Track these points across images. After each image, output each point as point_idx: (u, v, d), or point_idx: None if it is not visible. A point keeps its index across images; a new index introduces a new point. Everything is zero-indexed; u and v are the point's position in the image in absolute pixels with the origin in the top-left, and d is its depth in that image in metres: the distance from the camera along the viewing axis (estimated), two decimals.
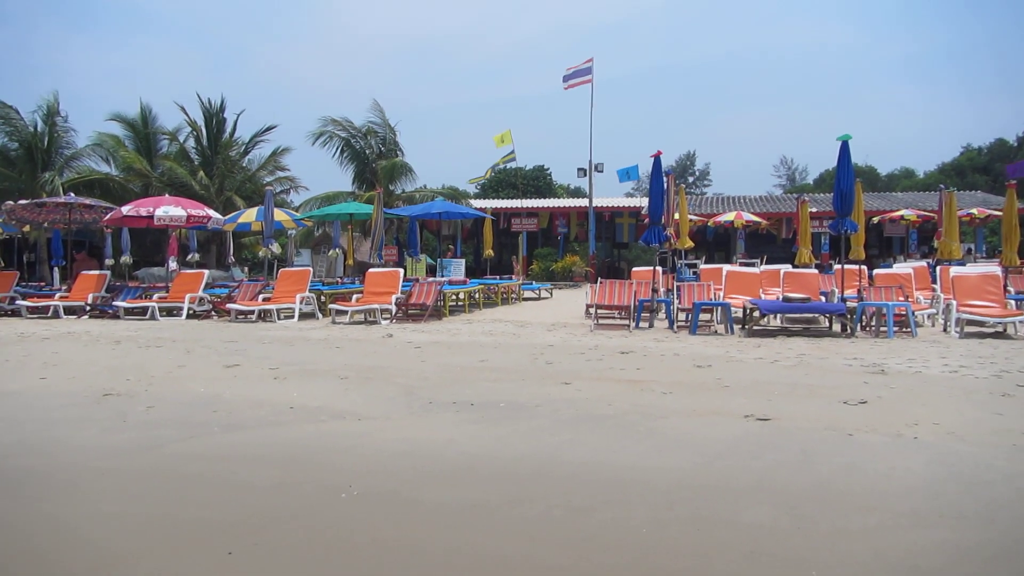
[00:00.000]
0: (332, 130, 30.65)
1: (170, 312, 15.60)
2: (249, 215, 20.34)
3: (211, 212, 17.01)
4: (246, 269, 30.55)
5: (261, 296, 15.48)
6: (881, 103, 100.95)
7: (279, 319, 14.48)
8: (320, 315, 15.19)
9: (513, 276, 23.51)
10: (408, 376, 7.68)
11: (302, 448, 5.04)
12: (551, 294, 22.78)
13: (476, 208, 28.85)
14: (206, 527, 3.67)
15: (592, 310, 13.19)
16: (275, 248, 17.13)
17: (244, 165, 31.82)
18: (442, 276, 20.27)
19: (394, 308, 14.21)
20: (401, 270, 15.53)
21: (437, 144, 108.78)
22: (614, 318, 13.62)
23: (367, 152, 30.82)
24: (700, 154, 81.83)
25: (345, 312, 14.22)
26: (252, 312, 14.73)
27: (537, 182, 46.34)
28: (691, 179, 74.87)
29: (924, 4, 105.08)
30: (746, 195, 37.44)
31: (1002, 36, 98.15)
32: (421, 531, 3.60)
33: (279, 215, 20.17)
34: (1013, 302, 12.29)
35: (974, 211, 25.96)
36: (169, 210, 15.95)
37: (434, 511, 3.86)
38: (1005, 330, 11.59)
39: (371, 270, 15.37)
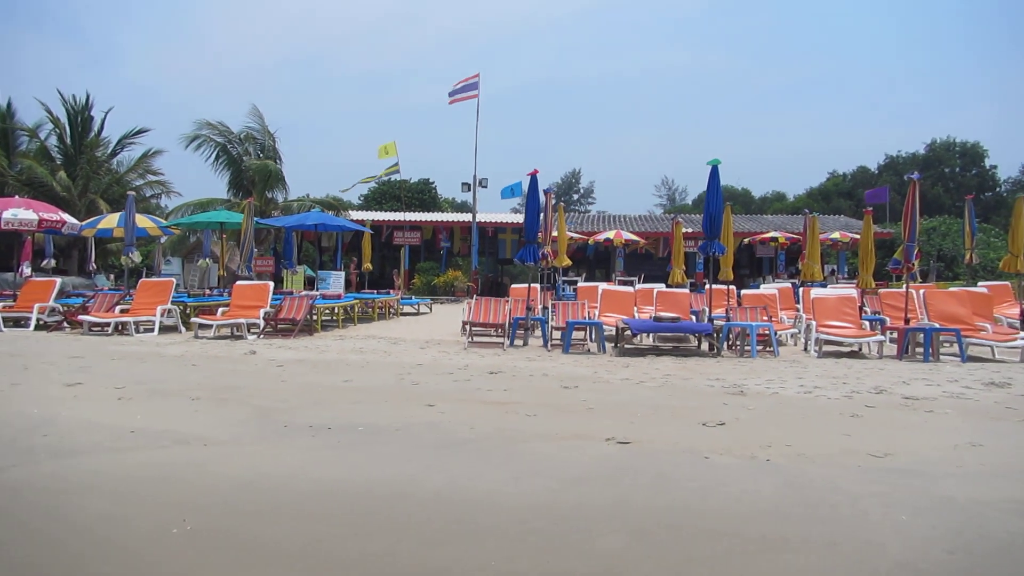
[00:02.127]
0: (208, 134, 29.42)
1: (17, 323, 14.41)
2: (110, 220, 19.14)
3: (65, 216, 15.89)
4: (111, 277, 28.79)
5: (119, 307, 14.55)
6: (758, 129, 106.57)
7: (137, 333, 13.63)
8: (183, 329, 14.41)
9: (392, 291, 23.15)
10: (265, 397, 7.32)
11: (137, 477, 4.67)
12: (431, 309, 22.56)
13: (356, 220, 28.32)
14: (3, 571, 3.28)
15: (468, 327, 13.09)
16: (136, 256, 16.15)
17: (113, 167, 30.03)
18: (321, 289, 19.70)
19: (262, 323, 13.64)
20: (271, 283, 14.95)
21: (323, 153, 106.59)
22: (490, 335, 13.56)
23: (244, 158, 29.73)
24: (585, 172, 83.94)
25: (209, 326, 13.54)
26: (107, 324, 13.81)
27: (422, 195, 46.06)
28: (576, 197, 76.48)
29: (798, 35, 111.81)
30: (627, 214, 38.53)
31: (863, 69, 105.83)
32: (251, 573, 3.34)
33: (143, 222, 19.08)
34: (868, 323, 13.01)
35: (836, 235, 27.67)
36: (18, 213, 14.80)
37: (270, 549, 3.61)
38: (860, 350, 12.26)
39: (239, 282, 14.72)
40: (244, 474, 4.77)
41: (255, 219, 17.31)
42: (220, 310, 14.16)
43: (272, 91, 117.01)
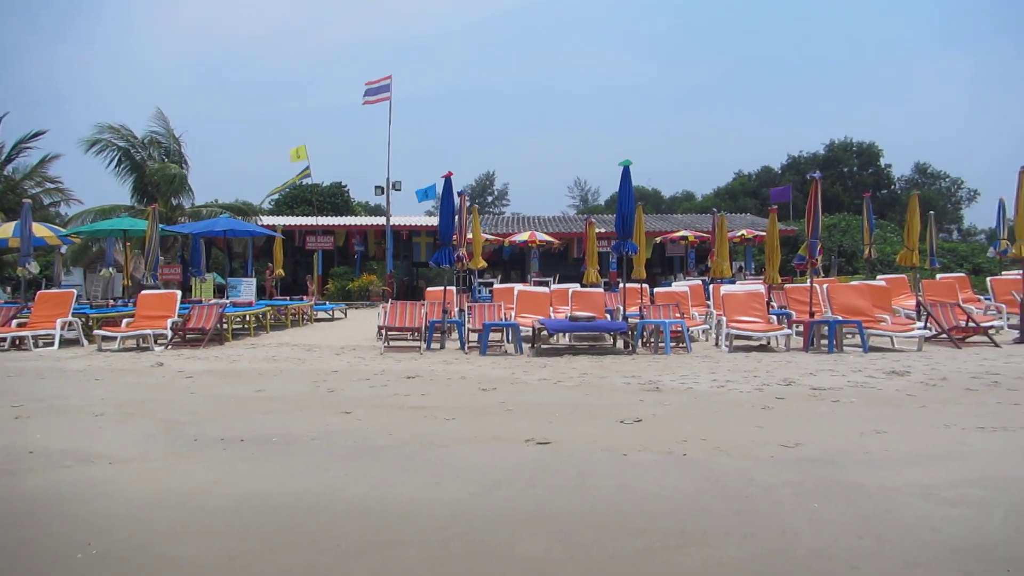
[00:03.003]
0: (109, 138, 27.98)
1: None
2: (5, 230, 18.08)
3: None
4: (7, 290, 27.13)
5: (15, 321, 13.74)
6: (667, 130, 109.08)
7: (36, 347, 12.92)
8: (86, 342, 13.70)
9: (306, 297, 22.63)
10: (174, 410, 7.01)
11: (38, 500, 4.42)
12: (346, 315, 22.17)
13: (267, 226, 27.58)
14: None
15: (384, 332, 12.90)
16: (33, 267, 15.26)
17: (8, 174, 28.28)
18: (231, 296, 19.05)
19: (169, 333, 13.10)
20: (178, 292, 14.36)
21: (232, 158, 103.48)
22: (406, 340, 13.41)
23: (149, 163, 28.51)
24: (500, 174, 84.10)
25: (113, 338, 12.91)
26: (3, 340, 13.08)
27: (334, 199, 45.20)
28: (490, 199, 76.61)
29: (703, 39, 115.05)
30: (542, 215, 38.82)
31: (766, 72, 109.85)
32: None
33: (41, 231, 18.08)
34: (775, 317, 13.46)
35: (743, 232, 28.59)
36: None
37: (182, 569, 3.44)
38: (768, 343, 12.66)
39: (143, 292, 14.10)
40: (153, 492, 4.54)
41: (161, 226, 16.63)
42: (125, 321, 13.53)
43: (178, 96, 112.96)
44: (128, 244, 20.88)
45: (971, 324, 12.46)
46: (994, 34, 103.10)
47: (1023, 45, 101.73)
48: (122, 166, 28.30)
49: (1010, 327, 13.77)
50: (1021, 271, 13.61)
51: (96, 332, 13.14)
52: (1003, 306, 14.74)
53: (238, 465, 5.11)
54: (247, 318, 16.05)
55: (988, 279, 16.50)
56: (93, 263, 28.96)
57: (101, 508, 4.29)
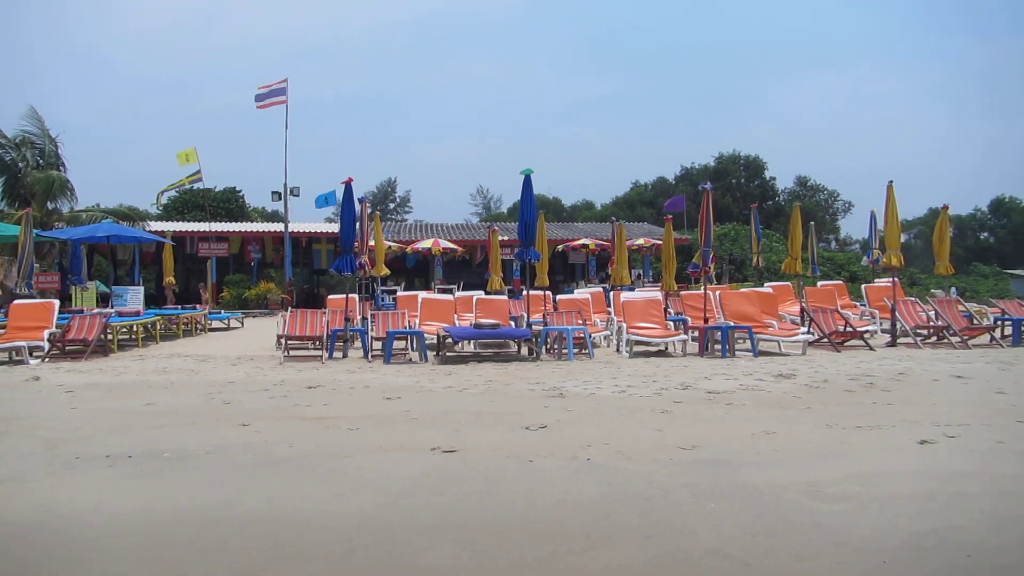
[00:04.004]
0: None
1: None
2: None
3: None
4: None
5: None
6: (565, 140, 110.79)
7: None
8: None
9: (199, 305, 21.82)
10: (52, 427, 6.63)
11: None
12: (243, 324, 21.50)
13: (155, 232, 26.47)
14: None
15: (283, 341, 12.59)
16: None
17: None
18: (117, 306, 18.14)
19: (47, 345, 12.37)
20: (56, 301, 13.60)
21: (116, 160, 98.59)
22: (307, 349, 13.13)
23: (20, 165, 26.86)
24: (401, 181, 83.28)
25: None
26: None
27: (228, 204, 43.76)
28: (392, 206, 75.90)
29: (600, 50, 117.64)
30: (445, 223, 38.78)
31: (661, 88, 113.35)
32: None
33: None
34: (672, 323, 13.86)
35: (641, 241, 29.34)
36: None
37: None
38: (666, 349, 13.04)
39: (16, 302, 13.27)
40: (29, 515, 4.28)
41: (35, 231, 15.70)
42: None
43: (57, 89, 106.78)
44: None
45: (849, 329, 13.20)
46: (856, 57, 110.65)
47: (884, 67, 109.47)
48: None
49: (883, 331, 14.62)
50: (891, 279, 14.51)
51: None
52: (876, 312, 15.65)
53: (125, 482, 4.88)
54: (134, 328, 15.34)
55: (863, 286, 17.50)
56: None
57: None
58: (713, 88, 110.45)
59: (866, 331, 13.52)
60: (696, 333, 13.07)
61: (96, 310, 15.48)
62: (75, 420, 6.96)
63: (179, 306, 20.90)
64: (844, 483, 4.65)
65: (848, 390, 8.28)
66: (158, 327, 16.23)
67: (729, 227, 39.28)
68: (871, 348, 12.69)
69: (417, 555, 3.64)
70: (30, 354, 12.27)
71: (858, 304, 17.07)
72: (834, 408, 7.21)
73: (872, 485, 4.62)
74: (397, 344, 12.59)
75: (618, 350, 13.05)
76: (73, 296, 18.71)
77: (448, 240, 29.18)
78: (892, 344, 13.25)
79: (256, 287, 28.62)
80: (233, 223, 35.81)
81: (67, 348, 12.82)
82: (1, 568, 3.58)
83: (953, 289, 24.58)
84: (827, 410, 7.11)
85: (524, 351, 12.78)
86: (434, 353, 12.52)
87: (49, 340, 12.48)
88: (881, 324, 15.12)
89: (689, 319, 13.93)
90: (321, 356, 12.23)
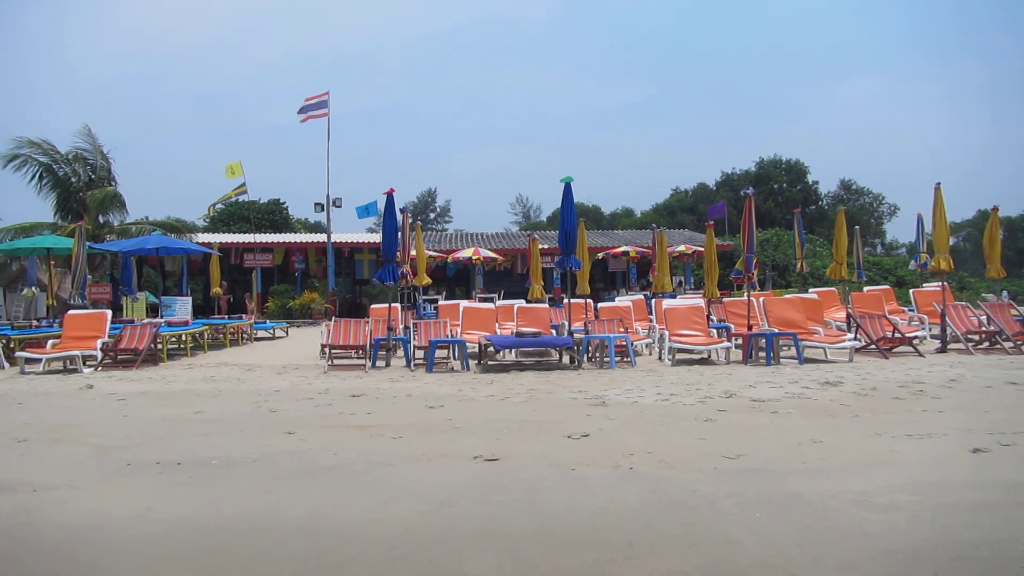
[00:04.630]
0: (29, 153, 27.05)
1: None
2: None
3: None
4: None
5: None
6: (605, 148, 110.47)
7: None
8: (7, 364, 13.18)
9: (245, 315, 22.22)
10: (105, 434, 6.80)
11: None
12: (287, 333, 21.82)
13: (202, 243, 27.01)
14: None
15: (327, 350, 12.74)
16: None
17: None
18: (166, 316, 18.57)
19: (100, 354, 12.70)
20: (108, 311, 13.95)
21: (164, 174, 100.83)
22: (351, 358, 13.27)
23: (73, 180, 27.66)
24: (441, 191, 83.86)
25: (38, 360, 12.44)
26: None
27: (273, 216, 44.54)
28: (432, 216, 76.40)
29: (639, 57, 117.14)
30: (485, 231, 38.89)
31: (700, 93, 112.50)
32: None
33: None
34: (715, 331, 13.72)
35: (682, 247, 29.08)
36: None
37: None
38: (709, 356, 12.90)
39: (71, 312, 13.65)
40: (81, 520, 4.39)
41: (88, 244, 16.15)
42: (50, 342, 13.08)
43: (109, 105, 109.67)
44: (53, 263, 20.24)
45: (897, 335, 12.91)
46: (898, 58, 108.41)
47: (927, 67, 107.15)
48: (44, 182, 27.38)
49: (932, 337, 14.30)
50: (940, 283, 14.17)
51: (18, 354, 12.67)
52: (925, 317, 15.29)
53: (175, 489, 4.98)
54: (183, 338, 15.67)
55: (911, 291, 17.12)
56: (13, 282, 27.87)
57: (23, 539, 4.12)
58: (753, 92, 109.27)
59: (915, 337, 13.20)
60: (740, 340, 12.91)
61: (146, 320, 15.87)
62: (127, 428, 7.12)
63: (226, 316, 21.30)
64: (894, 492, 4.55)
65: (897, 398, 8.10)
66: (206, 336, 16.55)
67: (772, 232, 38.75)
68: (920, 354, 12.40)
69: (460, 564, 3.66)
70: (84, 363, 12.61)
71: (906, 309, 16.71)
72: (883, 416, 7.06)
73: (923, 494, 4.52)
74: (439, 353, 12.65)
75: (660, 358, 12.94)
76: (124, 306, 19.20)
77: (488, 249, 29.28)
78: (942, 350, 12.93)
79: (300, 297, 29.06)
80: (277, 234, 36.42)
81: (119, 357, 13.14)
82: (56, 571, 3.68)
83: (1005, 293, 23.87)
84: (876, 418, 6.96)
85: (566, 360, 12.74)
86: (476, 362, 12.55)
87: (102, 349, 12.81)
88: (930, 330, 14.77)
89: (732, 326, 13.76)
90: (364, 365, 12.35)
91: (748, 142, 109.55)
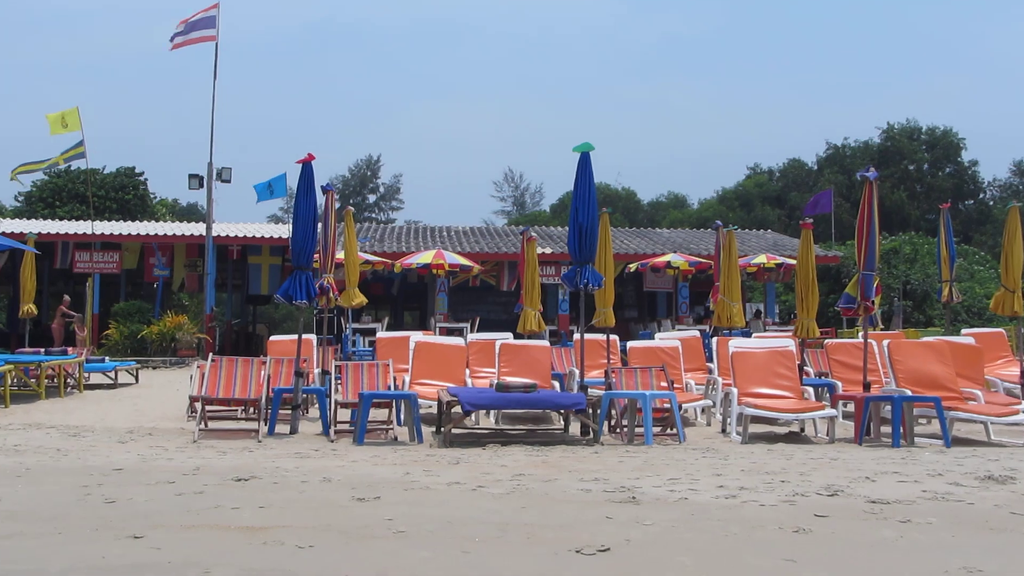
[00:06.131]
0: None
1: None
2: None
3: None
4: None
5: None
6: (643, 102, 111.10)
7: None
8: None
9: (73, 349, 22.09)
10: None
11: None
12: (137, 378, 21.71)
13: (9, 235, 26.89)
14: None
15: (199, 407, 12.65)
16: None
17: None
18: None
19: None
20: None
21: None
22: (236, 419, 13.20)
23: None
24: (387, 161, 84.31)
25: None
26: None
27: (123, 194, 44.61)
28: (373, 199, 76.83)
29: None
30: (453, 225, 38.94)
31: (791, 22, 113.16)
32: None
33: None
34: (811, 389, 13.67)
35: (762, 259, 29.14)
36: None
37: None
38: (802, 430, 12.88)
39: None
40: None
41: None
42: None
43: None
44: None
45: None
46: None
47: None
48: None
49: None
50: None
51: None
52: None
53: None
54: None
55: None
56: None
57: None
58: (877, 20, 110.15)
59: None
60: (851, 406, 12.89)
61: None
62: None
63: (41, 350, 21.15)
64: None
65: None
66: (7, 381, 16.40)
67: (904, 239, 39.00)
68: None
69: None
70: None
71: None
72: None
73: None
74: (376, 414, 12.58)
75: (724, 430, 12.92)
76: None
77: (458, 253, 29.31)
78: None
79: (159, 322, 28.94)
80: (129, 223, 36.38)
81: None
82: None
83: None
84: None
85: (575, 429, 12.70)
86: (433, 429, 12.49)
87: None
88: None
89: (839, 384, 13.76)
90: (257, 431, 12.27)
91: (867, 99, 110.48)
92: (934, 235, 27.17)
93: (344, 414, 12.83)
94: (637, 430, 12.12)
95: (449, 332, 22.46)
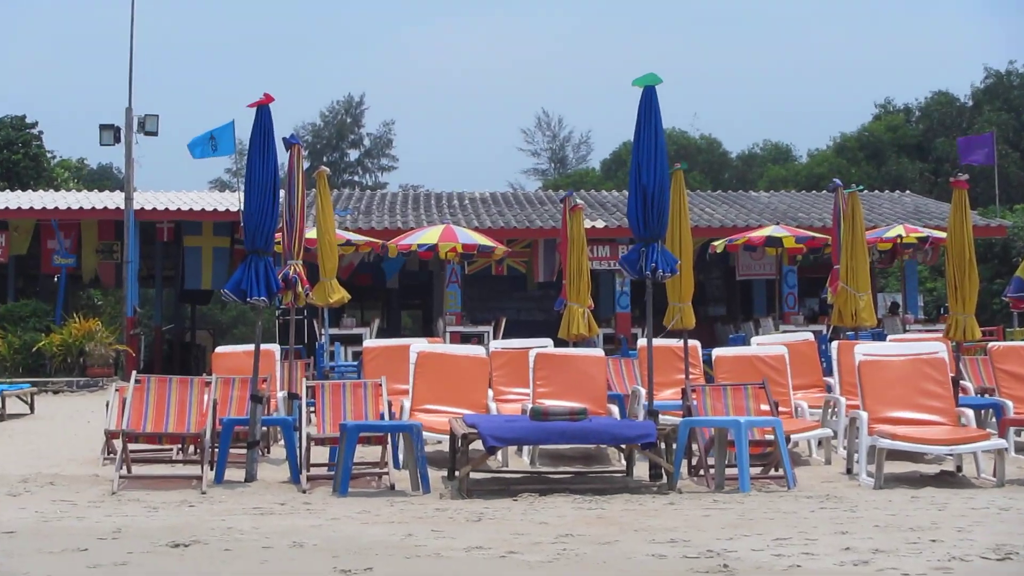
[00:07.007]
0: None
1: None
2: None
3: None
4: None
5: None
6: (722, 17, 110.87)
7: None
8: None
9: None
10: None
11: None
12: (32, 405, 21.86)
13: None
14: None
15: (119, 444, 12.70)
16: None
17: None
18: None
19: None
20: None
21: None
22: (171, 461, 13.25)
23: None
24: (373, 103, 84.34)
25: None
26: None
27: (8, 153, 44.91)
28: (356, 155, 76.93)
29: None
30: (468, 191, 38.82)
31: None
32: None
33: None
34: (970, 412, 13.56)
35: (899, 230, 28.91)
36: None
37: None
38: (959, 469, 12.80)
39: None
40: None
41: None
42: None
43: None
44: None
45: None
46: None
47: None
48: None
49: None
50: None
51: None
52: None
53: None
54: None
55: None
56: None
57: None
58: None
59: None
60: None
61: None
62: None
63: None
64: None
65: None
66: None
67: None
68: None
69: None
70: None
71: None
72: None
73: None
74: (364, 453, 12.62)
75: (850, 470, 12.89)
76: None
77: (474, 230, 29.29)
78: None
79: (63, 329, 29.11)
80: (18, 192, 36.59)
81: None
82: None
83: None
84: None
85: (641, 471, 12.68)
86: (444, 474, 12.51)
87: None
88: None
89: (1010, 404, 13.68)
90: (199, 477, 12.29)
91: None
92: None
93: (320, 454, 12.87)
94: (728, 471, 12.09)
95: (464, 339, 22.52)
